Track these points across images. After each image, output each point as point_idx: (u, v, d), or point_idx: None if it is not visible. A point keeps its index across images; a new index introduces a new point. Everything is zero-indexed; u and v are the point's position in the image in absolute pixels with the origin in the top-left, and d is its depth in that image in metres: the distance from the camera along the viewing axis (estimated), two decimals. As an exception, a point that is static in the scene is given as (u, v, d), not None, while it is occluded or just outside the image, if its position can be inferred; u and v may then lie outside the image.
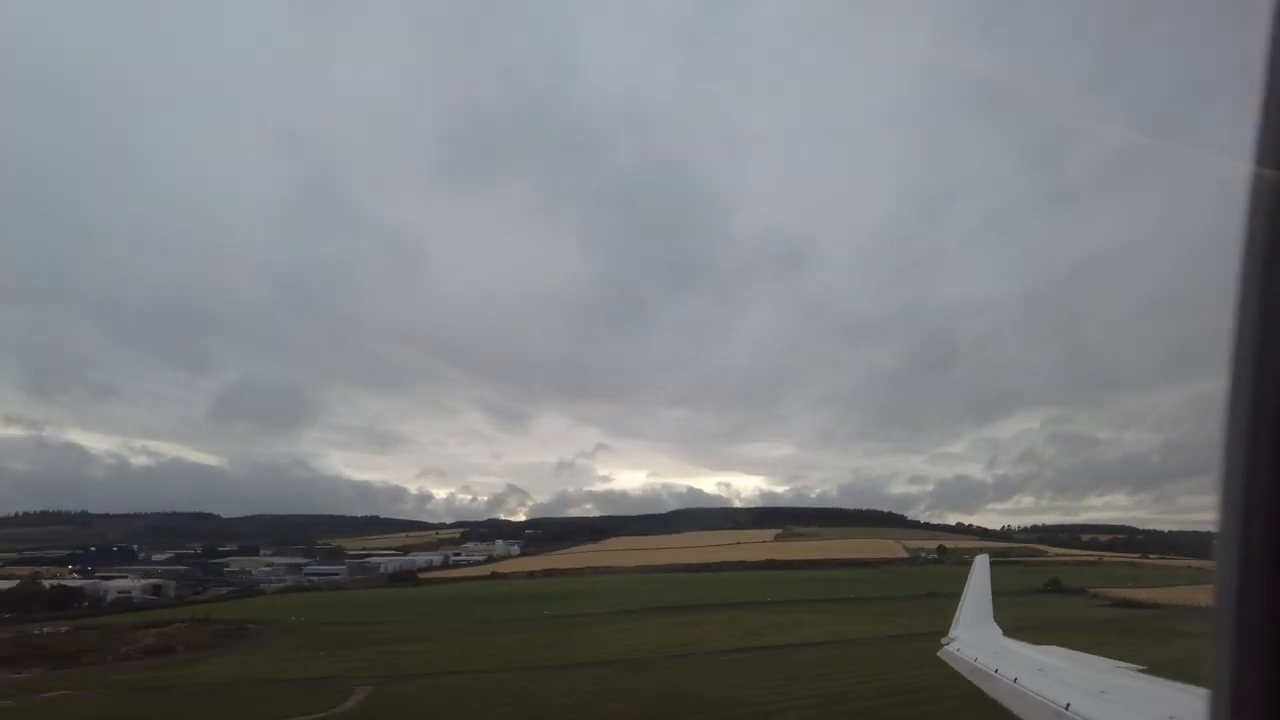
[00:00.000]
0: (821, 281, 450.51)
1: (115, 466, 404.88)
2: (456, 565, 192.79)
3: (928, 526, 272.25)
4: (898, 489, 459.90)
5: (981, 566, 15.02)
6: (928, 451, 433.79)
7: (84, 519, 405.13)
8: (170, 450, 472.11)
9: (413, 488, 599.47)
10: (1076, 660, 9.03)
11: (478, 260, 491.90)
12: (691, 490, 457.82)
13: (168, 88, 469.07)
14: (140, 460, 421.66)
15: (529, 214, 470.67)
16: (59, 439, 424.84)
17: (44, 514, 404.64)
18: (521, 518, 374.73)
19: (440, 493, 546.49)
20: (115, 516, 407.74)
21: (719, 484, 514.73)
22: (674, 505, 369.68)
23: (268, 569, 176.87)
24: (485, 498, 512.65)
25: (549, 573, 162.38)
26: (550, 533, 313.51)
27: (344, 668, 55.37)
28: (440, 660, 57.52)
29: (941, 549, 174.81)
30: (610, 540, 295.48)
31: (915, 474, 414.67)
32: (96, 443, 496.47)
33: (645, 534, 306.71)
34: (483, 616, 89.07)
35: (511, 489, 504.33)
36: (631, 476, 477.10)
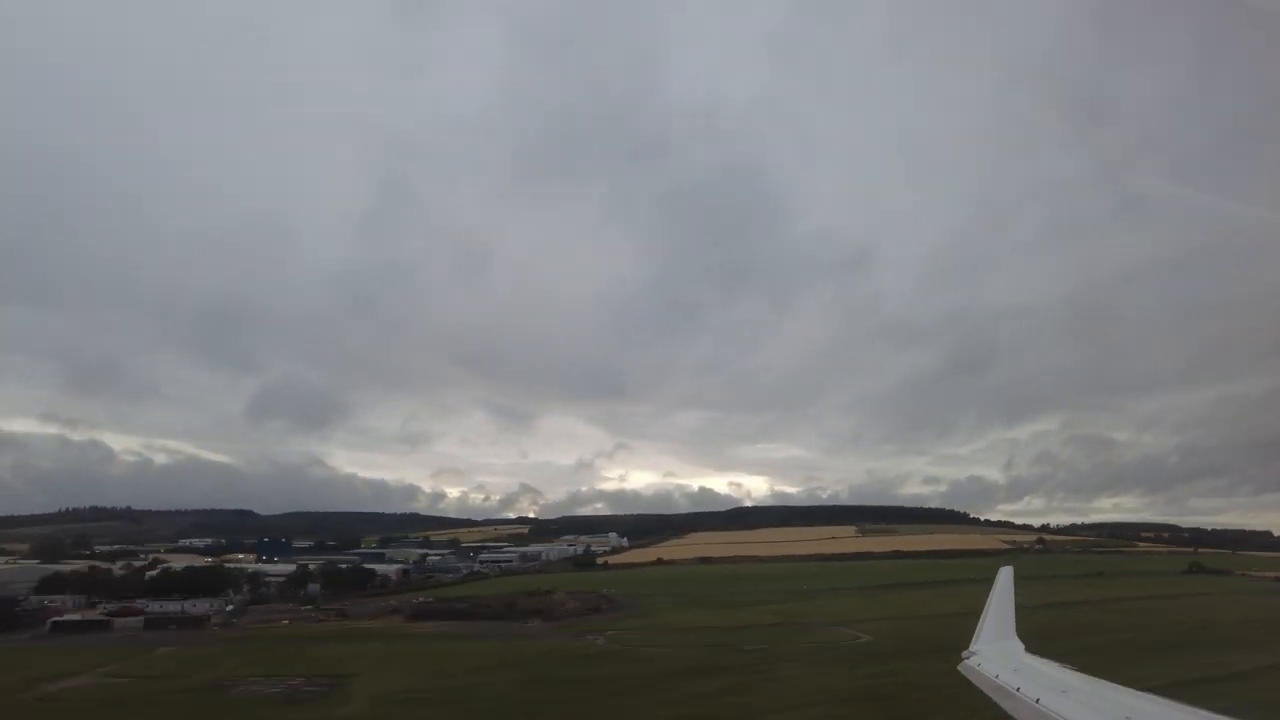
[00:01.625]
0: (873, 287, 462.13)
1: (156, 464, 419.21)
2: (591, 555, 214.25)
3: (988, 523, 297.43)
4: (911, 489, 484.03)
5: (1005, 579, 14.77)
6: (939, 453, 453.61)
7: (132, 515, 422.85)
8: (207, 449, 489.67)
9: (452, 489, 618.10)
10: (1099, 685, 8.91)
11: (538, 266, 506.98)
12: (703, 490, 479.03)
13: (253, 88, 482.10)
14: (178, 458, 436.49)
15: (595, 219, 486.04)
16: (100, 438, 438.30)
17: (92, 509, 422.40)
18: (584, 512, 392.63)
19: (475, 492, 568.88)
20: (161, 513, 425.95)
21: (730, 484, 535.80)
22: (689, 504, 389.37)
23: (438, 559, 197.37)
24: (497, 496, 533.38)
25: (705, 560, 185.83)
26: (626, 529, 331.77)
27: (780, 618, 78.58)
28: (849, 612, 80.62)
29: (1041, 540, 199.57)
30: (690, 535, 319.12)
31: (928, 475, 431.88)
32: (136, 442, 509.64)
33: (719, 529, 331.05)
34: (767, 589, 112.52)
35: (526, 487, 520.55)
36: (641, 476, 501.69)
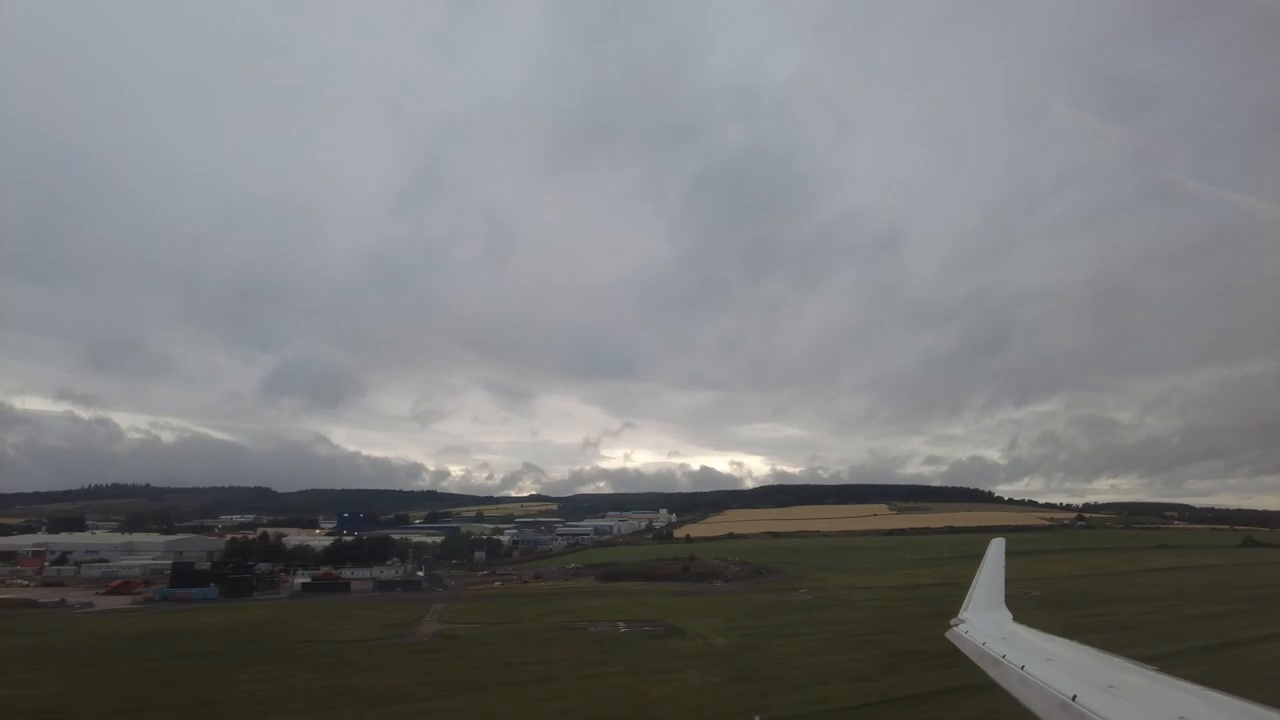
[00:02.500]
0: (898, 268, 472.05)
1: (163, 442, 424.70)
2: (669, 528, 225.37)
3: (1011, 502, 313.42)
4: (912, 469, 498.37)
5: (996, 550, 15.36)
6: (935, 433, 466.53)
7: (153, 492, 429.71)
8: (211, 426, 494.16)
9: (456, 467, 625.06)
10: (1084, 653, 8.99)
11: (565, 246, 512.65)
12: (704, 469, 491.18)
13: (290, 71, 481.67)
14: (183, 436, 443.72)
15: (629, 199, 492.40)
16: (110, 416, 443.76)
17: (115, 487, 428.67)
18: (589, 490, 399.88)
19: (478, 470, 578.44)
20: (182, 490, 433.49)
21: (731, 463, 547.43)
22: (690, 483, 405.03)
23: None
24: (500, 475, 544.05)
25: (773, 534, 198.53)
26: (661, 505, 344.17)
27: (939, 579, 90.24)
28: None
29: (1081, 517, 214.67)
30: (728, 512, 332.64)
31: (930, 456, 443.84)
32: (143, 420, 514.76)
33: (750, 507, 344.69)
34: (874, 558, 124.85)
35: (529, 465, 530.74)
36: (642, 455, 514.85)
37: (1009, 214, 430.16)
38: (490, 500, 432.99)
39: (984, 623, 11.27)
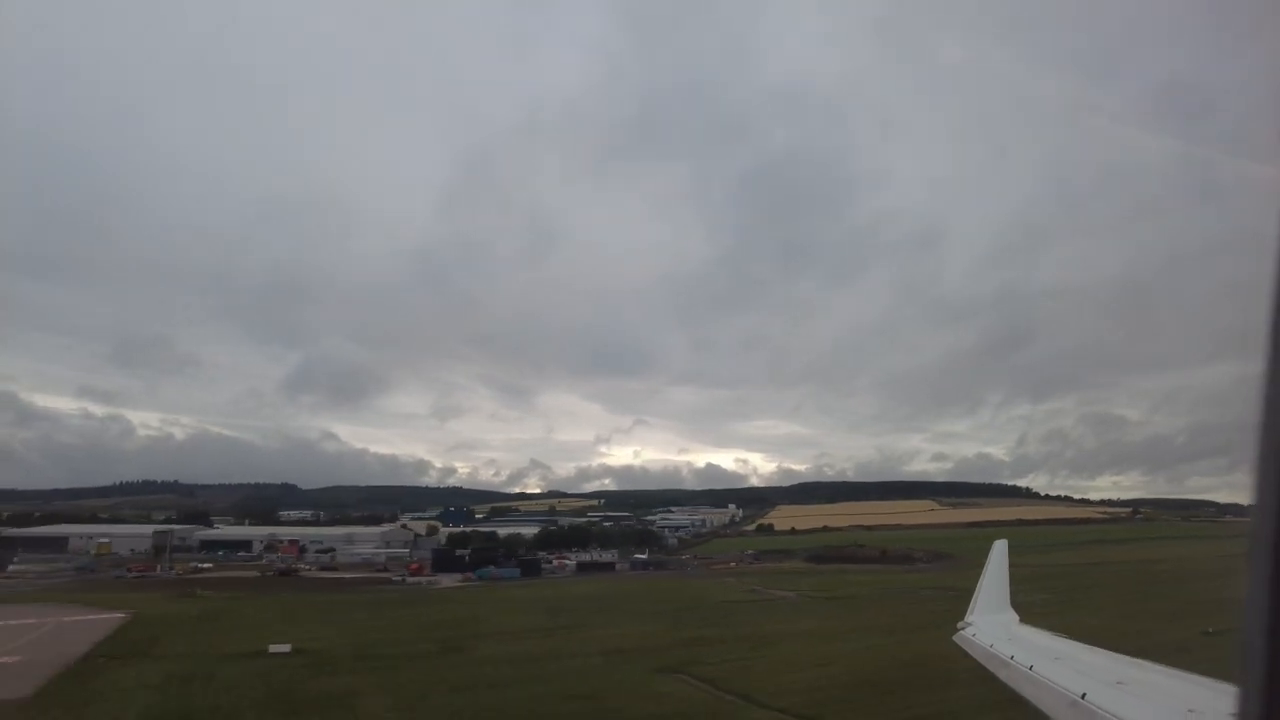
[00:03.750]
0: (931, 266, 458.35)
1: (174, 440, 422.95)
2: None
3: (1048, 498, 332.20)
4: (918, 466, 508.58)
5: (1000, 552, 14.95)
6: (938, 430, 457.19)
7: (183, 489, 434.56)
8: (216, 424, 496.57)
9: (463, 464, 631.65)
10: (1092, 651, 9.10)
11: (607, 245, 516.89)
12: (710, 466, 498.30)
13: (368, 73, 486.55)
14: (190, 433, 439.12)
15: (673, 199, 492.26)
16: (125, 414, 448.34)
17: (145, 484, 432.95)
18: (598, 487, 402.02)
19: (485, 467, 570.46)
20: (211, 486, 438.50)
21: (737, 460, 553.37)
22: (696, 480, 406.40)
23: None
24: (507, 471, 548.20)
25: (863, 528, 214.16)
26: (711, 501, 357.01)
27: (1094, 559, 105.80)
28: (1130, 555, 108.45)
29: (1136, 511, 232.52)
30: (779, 508, 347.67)
31: (936, 453, 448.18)
32: (170, 419, 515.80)
33: (796, 503, 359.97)
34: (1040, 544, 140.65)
35: (535, 463, 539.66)
36: (648, 451, 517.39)
37: (1046, 214, 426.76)
38: (524, 496, 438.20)
39: (991, 625, 11.45)
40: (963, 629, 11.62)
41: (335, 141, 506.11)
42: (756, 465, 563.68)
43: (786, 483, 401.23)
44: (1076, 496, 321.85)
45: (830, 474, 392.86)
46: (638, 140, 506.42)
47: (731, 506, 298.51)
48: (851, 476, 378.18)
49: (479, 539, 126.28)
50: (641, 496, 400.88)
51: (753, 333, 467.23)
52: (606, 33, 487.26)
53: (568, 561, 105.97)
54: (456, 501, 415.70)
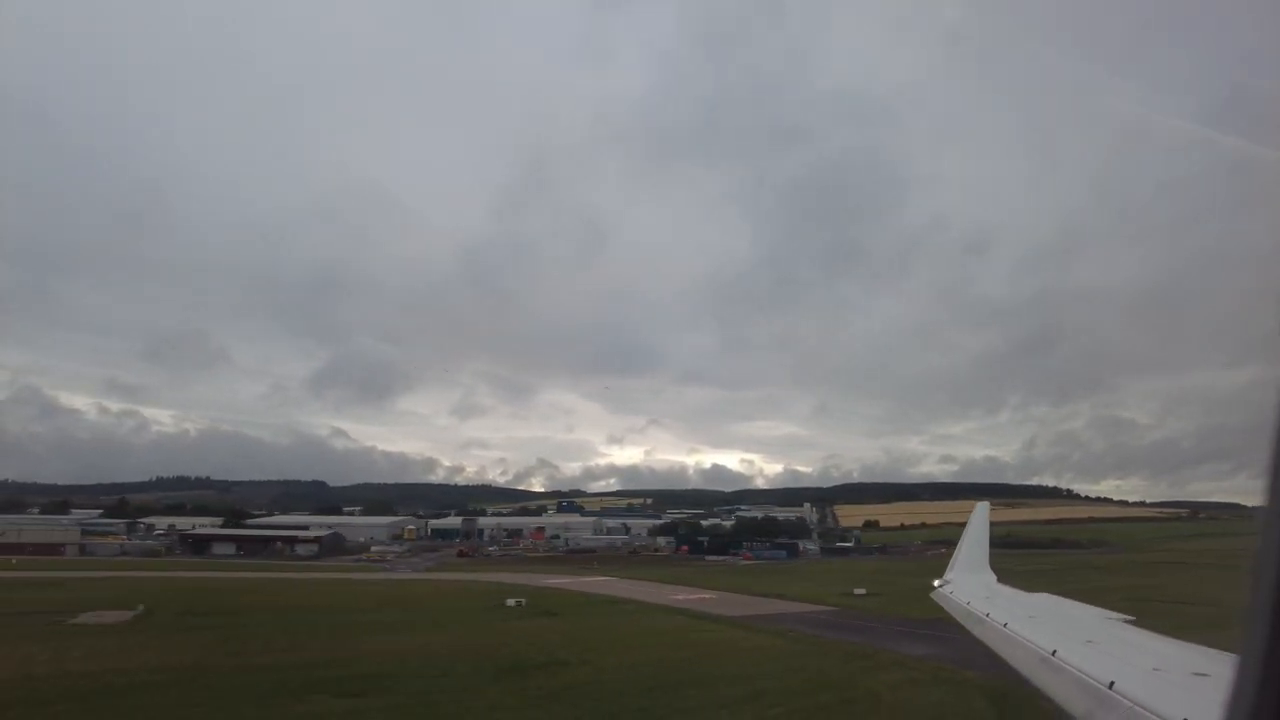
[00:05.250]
0: (971, 270, 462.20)
1: (224, 436, 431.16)
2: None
3: (1089, 499, 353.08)
4: (926, 468, 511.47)
5: (981, 513, 15.76)
6: (935, 432, 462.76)
7: (220, 485, 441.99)
8: (226, 422, 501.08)
9: (471, 463, 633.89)
10: (1068, 609, 9.38)
11: (654, 245, 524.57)
12: (715, 466, 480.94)
13: (434, 74, 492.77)
14: (199, 428, 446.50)
15: (725, 201, 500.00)
16: (141, 409, 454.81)
17: (180, 479, 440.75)
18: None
19: (494, 465, 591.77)
20: (246, 483, 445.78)
21: (742, 460, 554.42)
22: (701, 480, 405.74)
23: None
24: (515, 470, 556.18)
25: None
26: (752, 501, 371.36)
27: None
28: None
29: (1197, 512, 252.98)
30: (838, 507, 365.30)
31: (944, 455, 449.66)
32: (208, 414, 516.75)
33: (851, 503, 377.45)
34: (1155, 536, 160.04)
35: (542, 462, 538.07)
36: (657, 452, 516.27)
37: (1090, 222, 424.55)
38: (558, 495, 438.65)
39: (969, 584, 11.73)
40: (940, 586, 11.75)
41: (391, 141, 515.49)
42: (762, 466, 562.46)
43: (828, 482, 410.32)
44: (1116, 498, 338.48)
45: (856, 475, 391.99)
46: (695, 143, 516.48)
47: (807, 505, 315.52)
48: (858, 477, 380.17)
49: (688, 528, 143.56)
50: (701, 496, 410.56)
51: (785, 333, 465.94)
52: (677, 41, 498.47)
53: (810, 547, 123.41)
54: (492, 499, 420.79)
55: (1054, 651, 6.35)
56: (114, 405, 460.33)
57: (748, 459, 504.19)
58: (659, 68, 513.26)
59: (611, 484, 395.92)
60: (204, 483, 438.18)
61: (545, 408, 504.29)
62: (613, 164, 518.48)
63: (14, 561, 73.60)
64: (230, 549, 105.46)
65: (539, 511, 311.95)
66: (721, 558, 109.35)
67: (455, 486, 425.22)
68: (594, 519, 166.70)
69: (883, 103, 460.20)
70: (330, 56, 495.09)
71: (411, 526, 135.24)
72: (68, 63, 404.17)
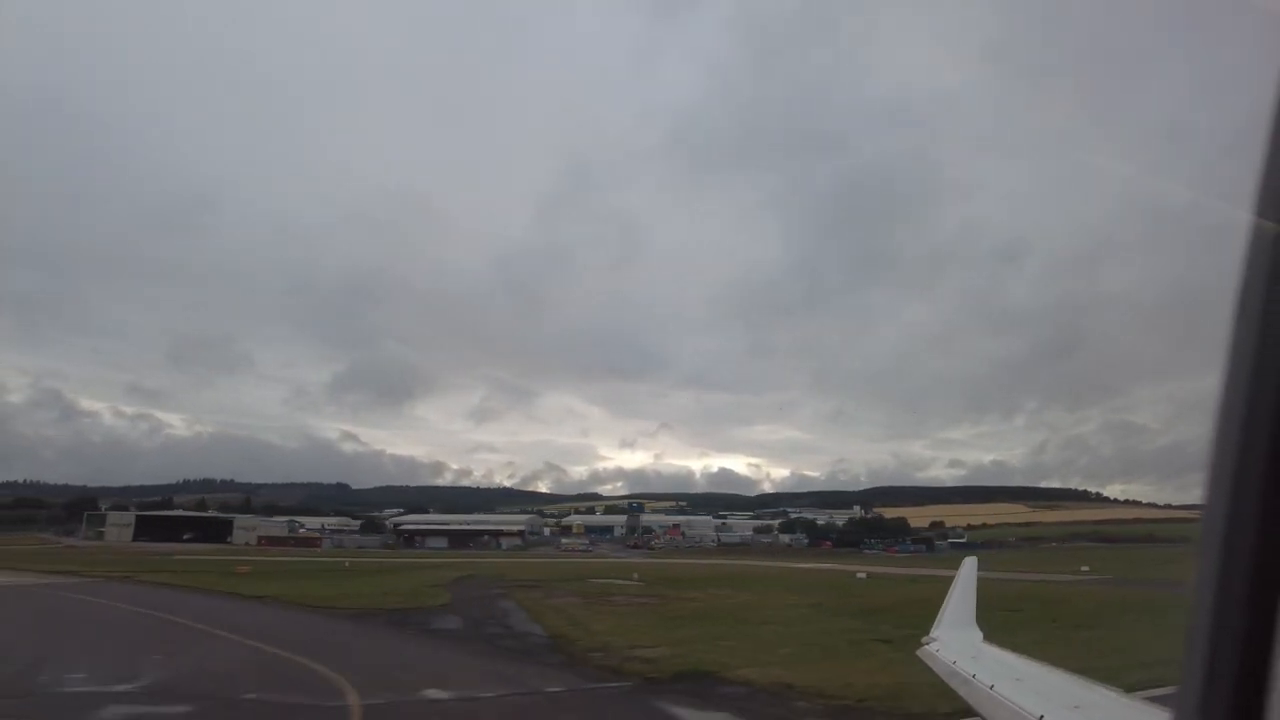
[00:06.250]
0: (1000, 277, 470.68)
1: (246, 440, 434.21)
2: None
3: (1117, 502, 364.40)
4: (935, 472, 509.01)
5: (969, 568, 14.43)
6: (938, 436, 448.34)
7: (245, 488, 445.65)
8: (233, 426, 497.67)
9: (477, 468, 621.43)
10: (1055, 673, 8.65)
11: (688, 251, 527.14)
12: (722, 470, 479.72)
13: (481, 80, 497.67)
14: (208, 430, 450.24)
15: (760, 207, 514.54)
16: (197, 413, 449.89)
17: (206, 482, 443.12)
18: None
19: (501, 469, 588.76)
20: (270, 485, 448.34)
21: (749, 464, 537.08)
22: (707, 484, 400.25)
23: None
24: (522, 473, 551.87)
25: (1011, 524, 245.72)
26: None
27: None
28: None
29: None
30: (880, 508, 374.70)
31: (953, 459, 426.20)
32: (230, 418, 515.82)
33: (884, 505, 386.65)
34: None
35: (549, 465, 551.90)
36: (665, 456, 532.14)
37: (1122, 231, 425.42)
38: (583, 498, 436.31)
39: (955, 641, 11.06)
40: (927, 644, 11.24)
41: (439, 145, 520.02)
42: (801, 469, 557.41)
43: (855, 486, 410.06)
44: (1144, 500, 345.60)
45: (864, 480, 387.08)
46: (736, 151, 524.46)
47: (856, 508, 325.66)
48: (866, 482, 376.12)
49: (803, 525, 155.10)
50: (712, 499, 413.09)
51: (808, 339, 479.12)
52: (726, 51, 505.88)
53: (940, 543, 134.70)
54: (516, 502, 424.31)
55: (1041, 717, 6.31)
56: (132, 409, 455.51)
57: (754, 463, 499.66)
58: (705, 78, 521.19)
59: (619, 487, 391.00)
60: (229, 485, 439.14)
61: (558, 411, 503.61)
62: (653, 173, 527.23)
63: (346, 564, 67.38)
64: (443, 542, 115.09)
65: (589, 511, 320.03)
66: (855, 551, 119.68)
67: (471, 489, 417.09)
68: (704, 518, 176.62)
69: (922, 111, 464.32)
70: (376, 66, 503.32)
71: (580, 523, 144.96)
72: (100, 64, 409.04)
